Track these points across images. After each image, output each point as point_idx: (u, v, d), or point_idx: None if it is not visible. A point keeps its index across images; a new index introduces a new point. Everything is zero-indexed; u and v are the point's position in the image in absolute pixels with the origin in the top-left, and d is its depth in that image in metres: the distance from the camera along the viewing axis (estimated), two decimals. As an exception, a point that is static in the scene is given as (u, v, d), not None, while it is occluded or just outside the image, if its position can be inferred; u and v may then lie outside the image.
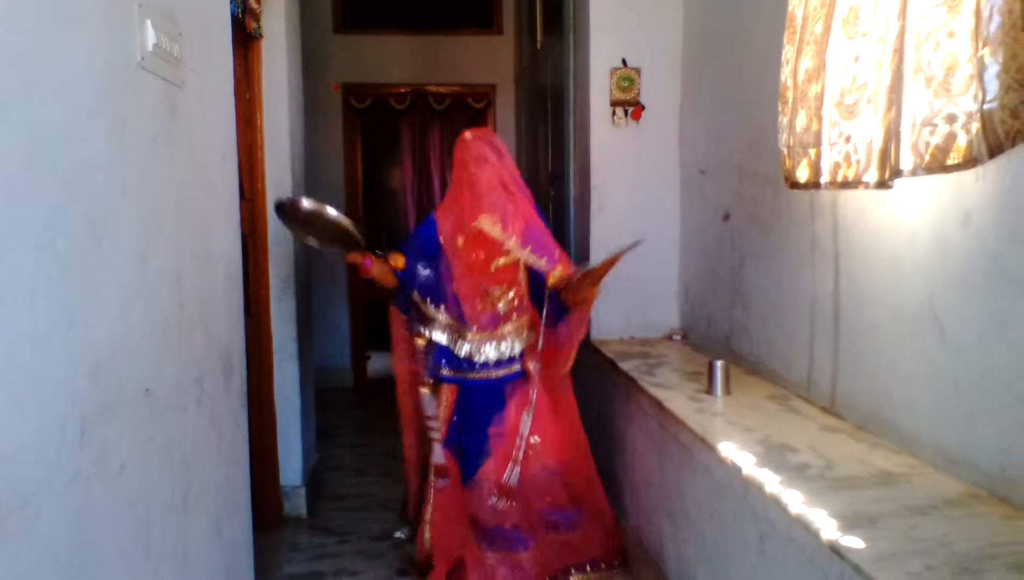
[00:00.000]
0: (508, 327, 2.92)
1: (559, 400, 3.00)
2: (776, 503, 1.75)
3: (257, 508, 2.65)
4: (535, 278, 2.91)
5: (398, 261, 2.90)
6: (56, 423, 1.21)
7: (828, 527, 1.57)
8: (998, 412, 1.66)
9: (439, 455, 2.89)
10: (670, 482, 2.57)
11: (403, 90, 6.27)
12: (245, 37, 3.27)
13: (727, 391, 2.60)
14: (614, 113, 3.59)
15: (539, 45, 4.98)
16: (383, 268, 2.89)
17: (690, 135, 3.56)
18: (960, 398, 1.77)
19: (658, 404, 2.59)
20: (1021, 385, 1.59)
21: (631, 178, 3.64)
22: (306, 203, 2.82)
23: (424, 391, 2.95)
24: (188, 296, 1.92)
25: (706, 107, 3.38)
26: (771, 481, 1.83)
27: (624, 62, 3.57)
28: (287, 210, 2.85)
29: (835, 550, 1.49)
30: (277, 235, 3.54)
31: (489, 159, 2.82)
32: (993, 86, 1.45)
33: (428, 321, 2.94)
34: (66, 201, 1.27)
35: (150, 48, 1.63)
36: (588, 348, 3.44)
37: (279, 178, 3.57)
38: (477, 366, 2.91)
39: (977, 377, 1.72)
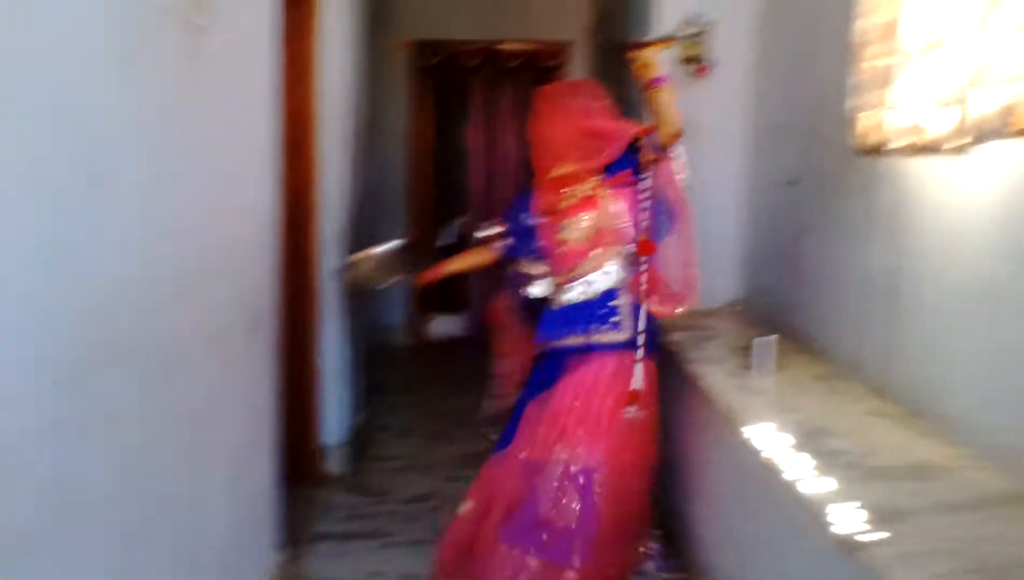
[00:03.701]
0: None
1: None
2: (790, 491, 1.62)
3: (293, 466, 2.65)
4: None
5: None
6: (46, 369, 1.19)
7: (847, 521, 1.44)
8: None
9: None
10: (703, 462, 2.46)
11: (473, 48, 6.16)
12: (299, -13, 3.22)
13: (774, 369, 2.45)
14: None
15: (613, -2, 4.81)
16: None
17: (760, 96, 3.36)
18: (1016, 383, 1.60)
19: (694, 380, 2.47)
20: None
21: (694, 138, 3.46)
22: (353, 258, 3.17)
23: None
24: (208, 246, 1.90)
25: (777, 67, 3.18)
26: (791, 467, 1.70)
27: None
28: (347, 272, 3.20)
29: (849, 547, 1.37)
30: (329, 191, 3.52)
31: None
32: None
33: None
34: (63, 136, 1.23)
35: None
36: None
37: (333, 134, 3.54)
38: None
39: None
